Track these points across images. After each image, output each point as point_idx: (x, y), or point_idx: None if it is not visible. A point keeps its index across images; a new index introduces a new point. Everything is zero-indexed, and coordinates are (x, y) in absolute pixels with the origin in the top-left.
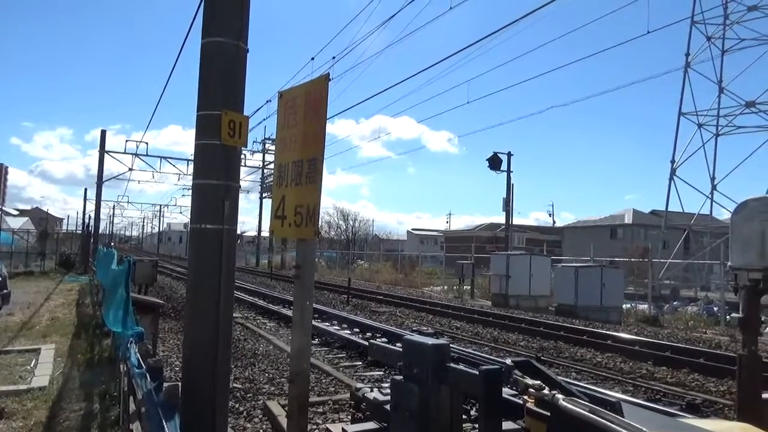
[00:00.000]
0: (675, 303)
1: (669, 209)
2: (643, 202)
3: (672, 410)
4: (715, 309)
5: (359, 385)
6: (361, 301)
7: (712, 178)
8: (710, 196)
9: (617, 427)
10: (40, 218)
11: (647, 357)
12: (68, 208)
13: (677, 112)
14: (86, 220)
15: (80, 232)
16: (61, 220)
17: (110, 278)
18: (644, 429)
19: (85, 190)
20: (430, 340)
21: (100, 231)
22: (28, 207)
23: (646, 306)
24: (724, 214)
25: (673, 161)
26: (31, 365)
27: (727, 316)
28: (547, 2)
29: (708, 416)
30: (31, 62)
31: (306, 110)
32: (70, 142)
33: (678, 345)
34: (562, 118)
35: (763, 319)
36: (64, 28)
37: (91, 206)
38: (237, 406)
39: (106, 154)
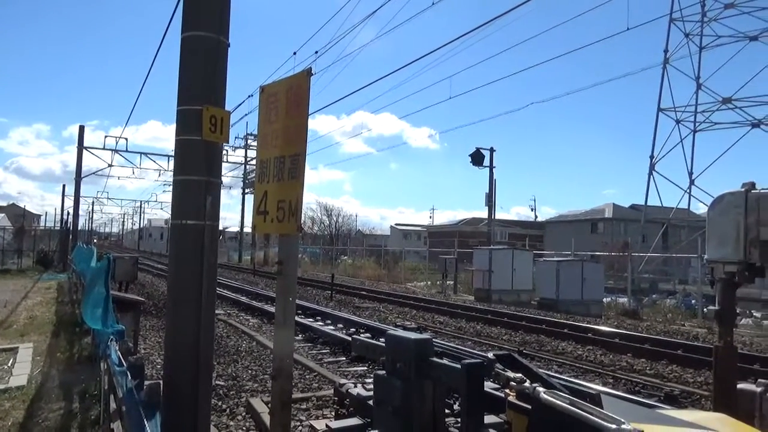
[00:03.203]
0: (654, 296)
1: (648, 204)
2: (622, 197)
3: (651, 401)
4: (693, 301)
5: (343, 380)
6: (344, 296)
7: (690, 173)
8: (688, 190)
9: (597, 419)
10: (17, 215)
11: (627, 349)
12: (46, 204)
13: (656, 108)
14: (65, 217)
15: (58, 228)
16: (39, 216)
17: (90, 276)
18: (623, 420)
19: (63, 186)
20: (412, 335)
21: (79, 228)
22: (4, 203)
23: (625, 299)
24: (701, 209)
25: (652, 156)
26: (9, 364)
27: (705, 309)
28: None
29: (686, 407)
30: (5, 58)
31: (288, 105)
32: (47, 138)
33: (657, 337)
34: (543, 114)
35: (738, 311)
36: (40, 24)
37: (69, 202)
38: (220, 403)
39: (84, 150)
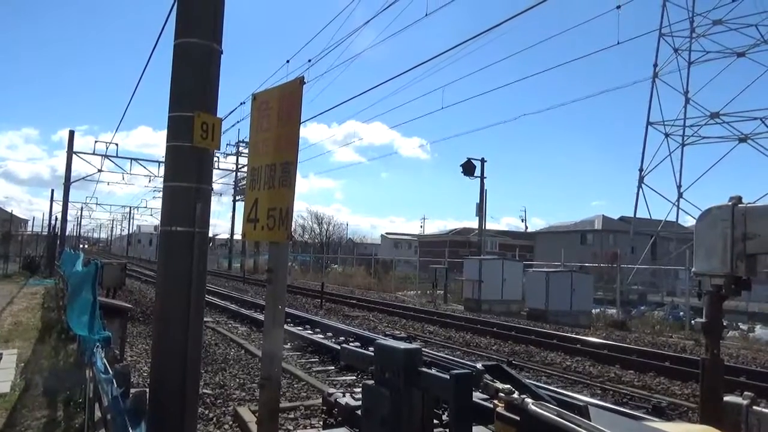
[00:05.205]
0: (642, 307)
1: (637, 216)
2: (611, 209)
3: (638, 413)
4: (681, 313)
5: (331, 390)
6: (334, 305)
7: (678, 186)
8: (676, 203)
9: (584, 431)
10: (4, 219)
11: (615, 361)
12: (33, 209)
13: (645, 122)
14: (52, 222)
15: (46, 234)
16: (26, 221)
17: (75, 281)
18: None
19: (52, 191)
20: (402, 345)
21: (67, 233)
22: None
23: (614, 310)
24: (689, 221)
25: (641, 169)
26: None
27: (692, 321)
28: (521, 12)
29: (673, 419)
30: None
31: (280, 113)
32: (36, 143)
33: (645, 349)
34: (534, 126)
35: (725, 324)
36: (29, 25)
37: (57, 207)
38: (207, 412)
39: (74, 155)
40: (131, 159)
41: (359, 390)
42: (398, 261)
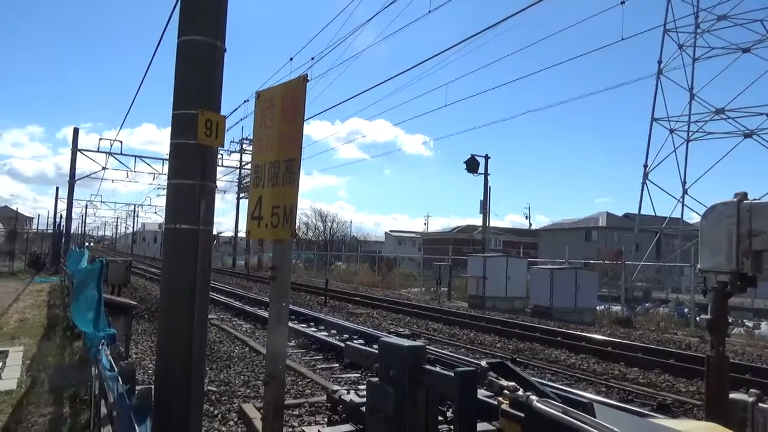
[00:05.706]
0: (647, 304)
1: (641, 212)
2: (615, 205)
3: (643, 411)
4: (686, 310)
5: (336, 387)
6: (338, 302)
7: (683, 183)
8: (681, 200)
9: (589, 428)
10: (9, 217)
11: (620, 358)
12: (39, 207)
13: (650, 118)
14: (57, 220)
15: (51, 231)
16: (31, 219)
17: (79, 278)
18: (615, 429)
19: (57, 189)
20: (406, 342)
21: (72, 231)
22: None
23: (619, 307)
24: (694, 218)
25: (645, 166)
26: None
27: (697, 318)
28: (524, 8)
29: (678, 416)
30: None
31: (284, 111)
32: (41, 140)
33: (649, 346)
34: (538, 123)
35: (730, 321)
36: (34, 24)
37: (62, 205)
38: (212, 409)
39: (78, 153)
40: (135, 156)
41: (364, 387)
42: (402, 258)
